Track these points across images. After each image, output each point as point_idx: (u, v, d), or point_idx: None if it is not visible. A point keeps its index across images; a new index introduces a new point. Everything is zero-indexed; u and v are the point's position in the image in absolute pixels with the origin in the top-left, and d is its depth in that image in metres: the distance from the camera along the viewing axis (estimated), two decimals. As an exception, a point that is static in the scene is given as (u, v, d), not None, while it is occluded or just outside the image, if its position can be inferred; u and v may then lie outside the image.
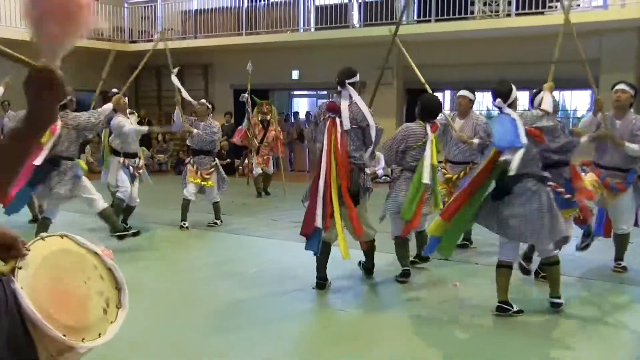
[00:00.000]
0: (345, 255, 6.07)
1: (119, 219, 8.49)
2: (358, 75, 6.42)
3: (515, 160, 5.07)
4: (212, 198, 9.64)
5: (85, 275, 2.28)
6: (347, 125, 6.16)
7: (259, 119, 12.88)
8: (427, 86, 7.47)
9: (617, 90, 6.82)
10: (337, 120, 6.19)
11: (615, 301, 6.09)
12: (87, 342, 2.15)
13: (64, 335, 2.08)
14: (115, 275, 2.37)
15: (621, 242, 6.97)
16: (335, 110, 6.25)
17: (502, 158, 5.26)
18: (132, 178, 8.87)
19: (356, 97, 6.32)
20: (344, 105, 6.23)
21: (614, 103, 6.82)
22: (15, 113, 10.80)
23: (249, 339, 5.04)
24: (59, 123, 7.20)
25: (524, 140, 5.12)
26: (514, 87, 5.54)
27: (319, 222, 6.00)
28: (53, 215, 7.51)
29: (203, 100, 10.04)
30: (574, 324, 5.36)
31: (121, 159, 8.84)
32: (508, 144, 5.21)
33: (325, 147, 6.16)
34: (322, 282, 6.29)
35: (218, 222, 9.69)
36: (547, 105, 5.67)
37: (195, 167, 9.39)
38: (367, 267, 6.77)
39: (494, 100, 5.52)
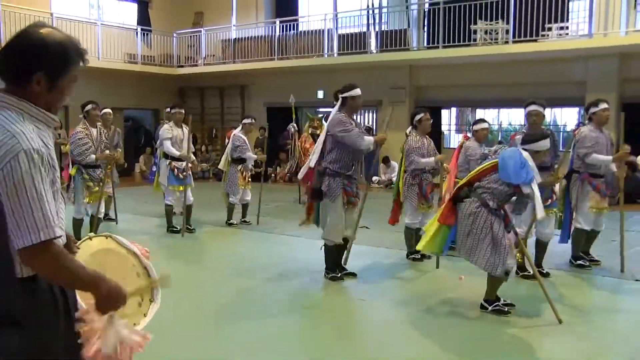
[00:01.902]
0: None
1: (171, 220, 8.96)
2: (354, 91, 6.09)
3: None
4: (247, 198, 9.78)
5: (124, 272, 2.29)
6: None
7: (310, 132, 12.89)
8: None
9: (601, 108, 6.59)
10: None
11: (596, 292, 6.02)
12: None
13: None
14: (149, 274, 2.37)
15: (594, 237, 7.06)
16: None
17: None
18: (180, 181, 8.86)
19: (334, 110, 6.16)
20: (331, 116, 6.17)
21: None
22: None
23: (278, 323, 5.03)
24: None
25: None
26: None
27: None
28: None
29: (249, 121, 9.88)
30: (564, 314, 5.27)
31: (168, 162, 8.86)
32: None
33: None
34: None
35: (247, 219, 9.78)
36: None
37: (243, 173, 9.53)
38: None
39: None
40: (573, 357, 4.42)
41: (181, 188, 8.77)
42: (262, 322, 5.06)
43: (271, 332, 4.82)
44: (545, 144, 5.04)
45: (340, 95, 6.09)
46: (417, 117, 7.13)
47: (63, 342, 1.93)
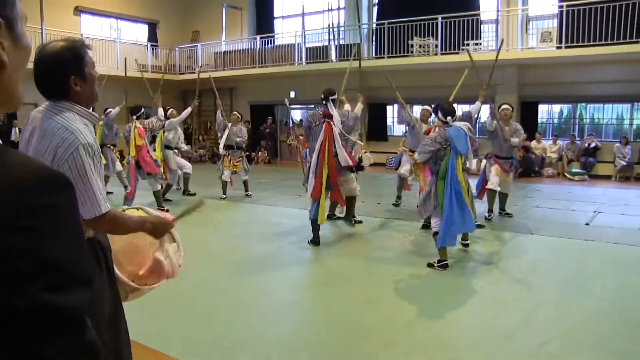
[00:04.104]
0: (321, 221, 5.99)
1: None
2: (337, 94, 6.38)
3: (473, 163, 5.29)
4: (242, 177, 9.77)
5: (150, 238, 2.16)
6: (340, 127, 6.07)
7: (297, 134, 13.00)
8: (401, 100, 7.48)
9: (503, 108, 7.54)
10: (332, 123, 5.97)
11: (510, 244, 6.26)
12: (149, 285, 2.18)
13: (132, 281, 2.13)
14: (173, 234, 2.30)
15: (504, 198, 7.71)
16: (329, 116, 6.02)
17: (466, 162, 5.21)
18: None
19: (335, 108, 6.19)
20: (335, 113, 6.09)
21: (503, 116, 7.44)
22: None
23: (263, 277, 5.09)
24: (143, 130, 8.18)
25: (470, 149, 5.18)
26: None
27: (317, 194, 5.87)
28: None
29: (235, 112, 9.99)
30: (485, 263, 5.50)
31: (175, 151, 9.25)
32: (465, 151, 5.09)
33: (321, 143, 5.92)
34: (317, 240, 6.14)
35: (249, 193, 9.79)
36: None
37: (229, 157, 9.46)
38: (347, 219, 6.69)
39: (444, 117, 5.15)
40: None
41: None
42: (263, 273, 5.15)
43: (272, 280, 4.94)
44: None
45: (331, 98, 6.16)
46: None
47: (107, 292, 1.95)
